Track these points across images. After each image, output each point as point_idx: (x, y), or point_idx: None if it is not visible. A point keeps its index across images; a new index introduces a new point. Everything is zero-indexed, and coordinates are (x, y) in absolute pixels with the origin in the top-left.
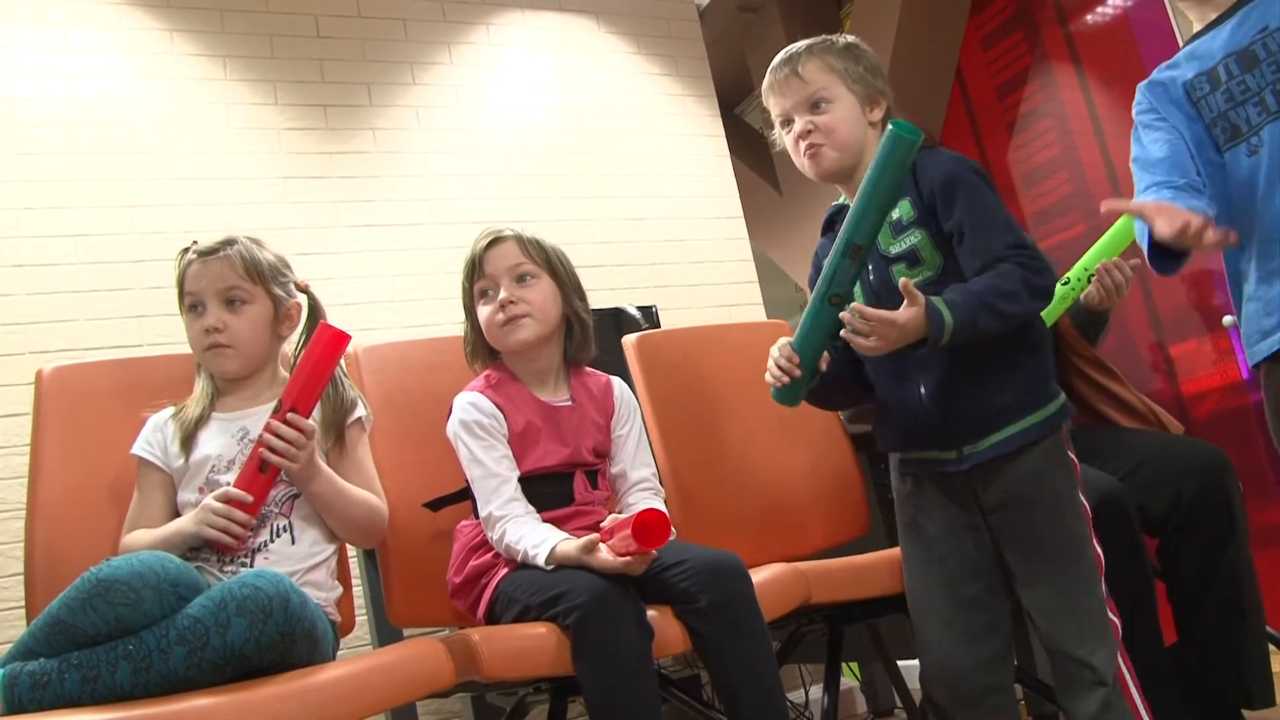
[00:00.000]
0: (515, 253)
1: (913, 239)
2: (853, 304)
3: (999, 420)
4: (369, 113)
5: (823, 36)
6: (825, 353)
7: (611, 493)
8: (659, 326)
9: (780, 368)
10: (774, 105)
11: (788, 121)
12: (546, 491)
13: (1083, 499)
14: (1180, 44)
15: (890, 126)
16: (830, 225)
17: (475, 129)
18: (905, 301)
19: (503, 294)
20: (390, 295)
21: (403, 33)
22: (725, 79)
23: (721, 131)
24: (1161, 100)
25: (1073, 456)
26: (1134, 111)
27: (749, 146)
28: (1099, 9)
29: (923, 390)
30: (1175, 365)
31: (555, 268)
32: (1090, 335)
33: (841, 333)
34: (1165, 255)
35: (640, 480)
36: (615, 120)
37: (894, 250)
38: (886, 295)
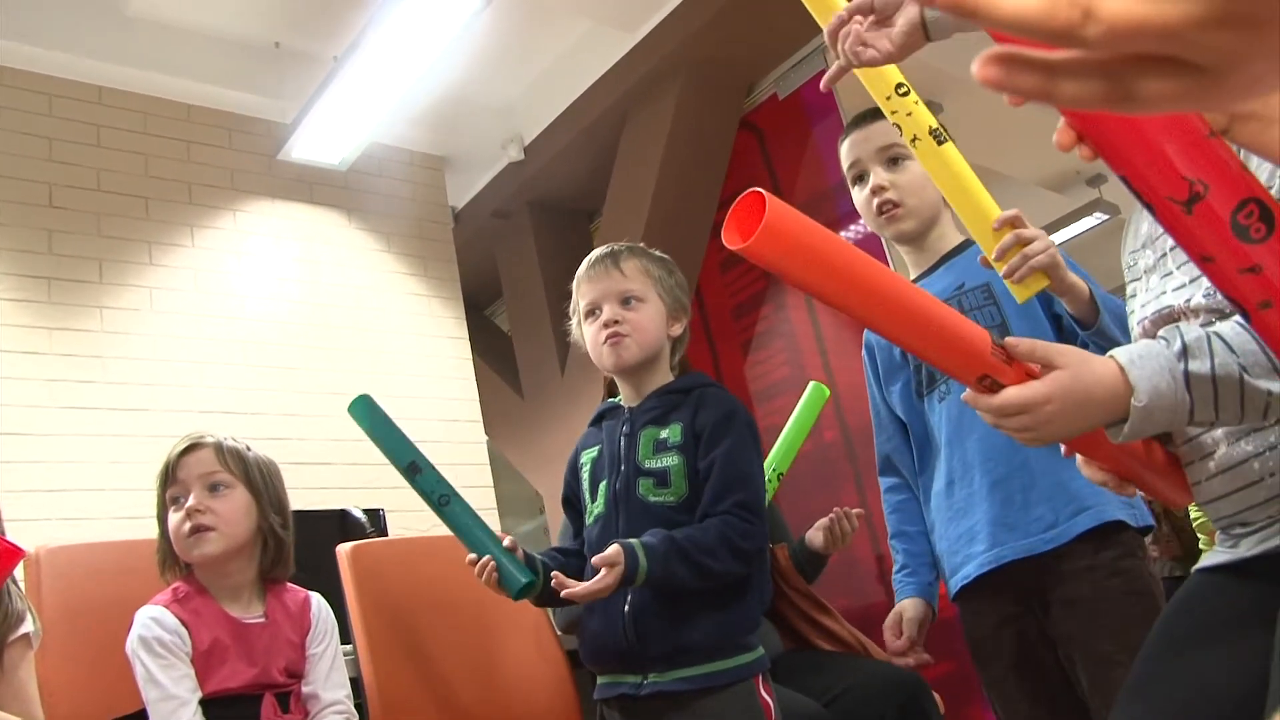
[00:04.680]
0: (210, 461)
1: (669, 461)
2: (564, 588)
3: (688, 657)
4: (98, 290)
5: (641, 244)
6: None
7: (305, 715)
8: (385, 529)
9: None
10: (585, 293)
11: (593, 312)
12: (232, 715)
13: None
14: None
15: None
16: (599, 419)
17: (212, 315)
18: (610, 554)
19: (190, 501)
20: (103, 483)
21: (144, 211)
22: (476, 280)
23: (465, 333)
24: (880, 355)
25: (766, 699)
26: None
27: (495, 349)
28: None
29: (626, 610)
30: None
31: (253, 480)
32: (808, 574)
33: (564, 594)
34: None
35: (332, 703)
36: (358, 316)
37: (649, 464)
38: (625, 502)
